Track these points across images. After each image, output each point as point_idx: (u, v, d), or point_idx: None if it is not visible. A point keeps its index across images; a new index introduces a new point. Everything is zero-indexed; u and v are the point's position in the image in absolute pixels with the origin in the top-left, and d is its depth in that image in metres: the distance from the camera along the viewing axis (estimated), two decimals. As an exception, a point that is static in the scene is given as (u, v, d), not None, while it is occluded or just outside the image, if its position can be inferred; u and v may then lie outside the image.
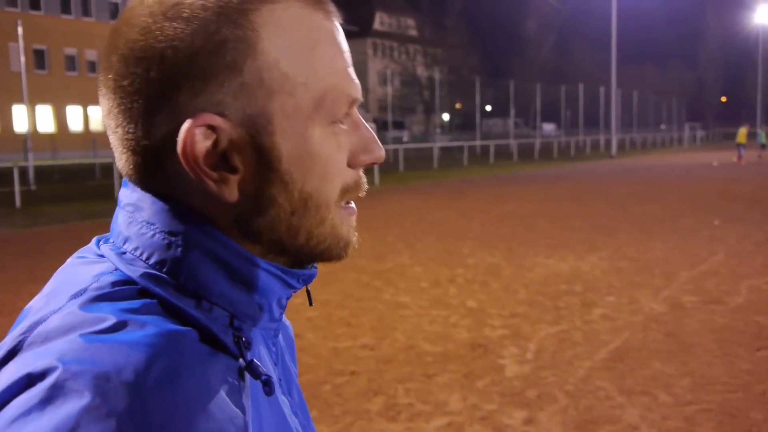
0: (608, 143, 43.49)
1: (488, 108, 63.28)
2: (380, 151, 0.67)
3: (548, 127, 62.97)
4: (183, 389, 0.50)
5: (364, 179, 0.67)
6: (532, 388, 4.41)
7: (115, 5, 43.92)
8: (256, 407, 0.59)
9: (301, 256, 0.65)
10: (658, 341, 5.36)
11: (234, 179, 0.59)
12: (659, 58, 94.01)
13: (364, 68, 69.44)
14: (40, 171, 20.90)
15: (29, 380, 0.47)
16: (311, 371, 4.83)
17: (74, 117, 42.19)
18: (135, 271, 0.57)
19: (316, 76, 0.60)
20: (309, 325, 6.00)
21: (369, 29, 71.00)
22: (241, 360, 0.57)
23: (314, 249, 0.64)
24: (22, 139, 28.97)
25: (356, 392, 4.43)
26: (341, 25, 0.66)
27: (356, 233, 0.68)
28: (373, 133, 0.67)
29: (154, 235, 0.58)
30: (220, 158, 0.58)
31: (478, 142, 39.36)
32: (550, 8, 67.77)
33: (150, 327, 0.52)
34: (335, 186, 0.63)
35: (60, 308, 0.54)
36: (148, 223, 0.59)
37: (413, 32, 68.13)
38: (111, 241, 0.61)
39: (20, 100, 26.73)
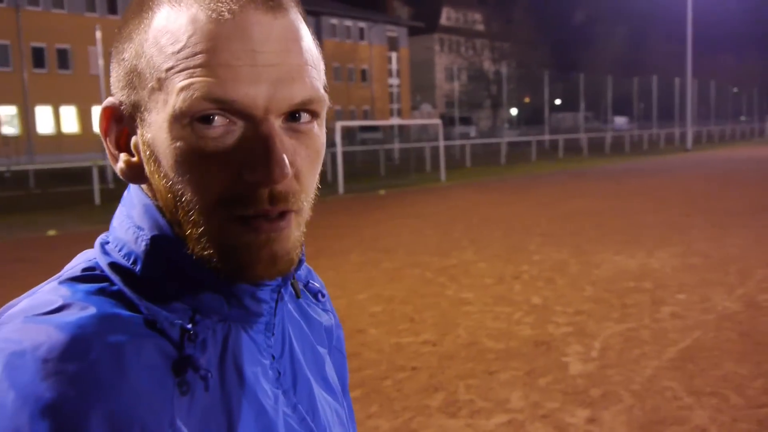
0: (683, 136, 42.01)
1: (557, 102, 62.14)
2: (269, 170, 0.58)
3: (620, 121, 61.31)
4: (95, 366, 0.53)
5: (263, 195, 0.59)
6: (596, 387, 4.33)
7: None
8: (221, 398, 0.61)
9: (213, 264, 0.62)
10: (731, 341, 5.17)
11: (132, 162, 0.64)
12: (738, 47, 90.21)
13: (430, 64, 69.26)
14: (117, 170, 21.74)
15: None
16: (373, 366, 4.88)
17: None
18: (105, 260, 0.64)
19: (173, 71, 0.59)
20: (372, 320, 6.05)
21: (435, 25, 70.76)
22: (182, 351, 0.60)
23: (208, 258, 0.61)
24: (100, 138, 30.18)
25: (417, 388, 4.45)
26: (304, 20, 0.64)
27: (279, 251, 0.61)
28: (273, 149, 0.59)
29: (128, 229, 0.65)
30: (126, 142, 0.65)
31: (546, 137, 38.71)
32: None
33: (90, 309, 0.57)
34: (205, 190, 0.59)
35: (34, 291, 0.61)
36: (128, 216, 0.65)
37: (480, 27, 67.43)
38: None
39: (99, 101, 27.87)
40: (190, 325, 0.61)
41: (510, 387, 4.40)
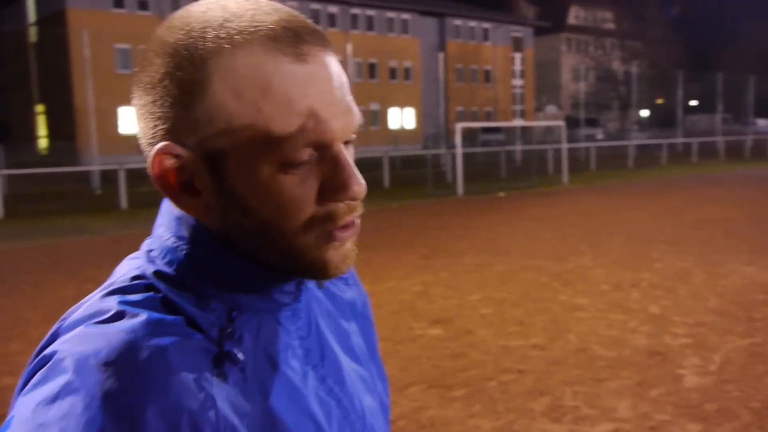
0: (835, 140, 38.65)
1: (693, 103, 58.93)
2: (354, 189, 0.67)
3: (763, 123, 57.18)
4: (147, 366, 0.62)
5: (345, 209, 0.69)
6: (711, 402, 4.15)
7: (315, 11, 46.55)
8: (256, 384, 0.69)
9: (290, 272, 0.72)
10: None
11: (197, 200, 0.68)
12: None
13: (556, 64, 67.66)
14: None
15: (44, 361, 0.64)
16: (479, 367, 4.90)
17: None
18: (150, 269, 0.71)
19: (264, 119, 0.63)
20: (482, 321, 6.06)
21: (563, 24, 69.03)
22: (221, 347, 0.68)
23: (292, 268, 0.71)
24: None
25: (522, 391, 4.44)
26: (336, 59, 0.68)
27: (349, 251, 0.71)
28: (353, 171, 0.67)
29: (168, 239, 0.72)
30: (186, 181, 0.68)
31: (679, 140, 36.77)
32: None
33: (141, 316, 0.65)
34: (296, 219, 0.67)
35: (89, 299, 0.70)
36: (167, 227, 0.73)
37: (610, 25, 65.10)
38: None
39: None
40: (228, 323, 0.70)
41: (618, 396, 4.30)
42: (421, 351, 5.32)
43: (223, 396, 0.66)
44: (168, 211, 0.74)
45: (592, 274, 7.88)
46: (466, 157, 21.14)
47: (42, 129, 43.05)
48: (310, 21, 0.68)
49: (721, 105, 44.11)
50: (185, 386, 0.63)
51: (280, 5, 0.68)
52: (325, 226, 0.68)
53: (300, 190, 0.66)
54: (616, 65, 58.83)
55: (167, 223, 0.73)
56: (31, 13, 42.72)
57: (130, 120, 38.63)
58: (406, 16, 52.04)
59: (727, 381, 4.49)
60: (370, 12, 49.80)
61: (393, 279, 7.85)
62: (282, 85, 0.64)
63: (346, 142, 0.69)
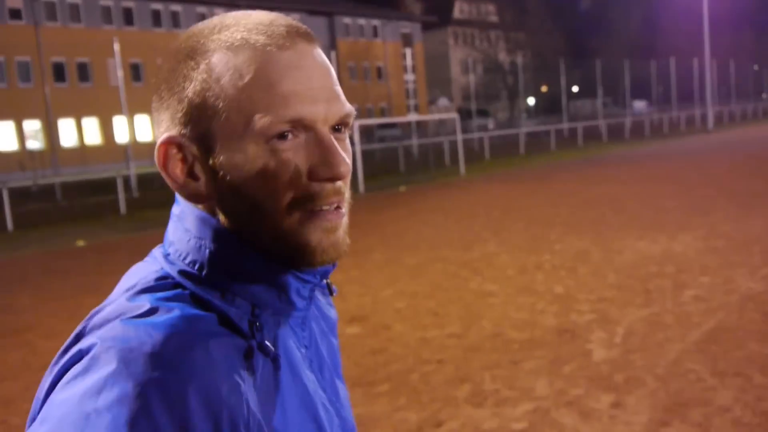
0: (704, 117, 41.53)
1: (575, 89, 61.72)
2: (337, 168, 0.71)
3: (639, 105, 60.71)
4: (190, 358, 0.64)
5: (329, 190, 0.72)
6: (620, 372, 4.40)
7: (202, 15, 45.55)
8: (277, 379, 0.72)
9: (282, 258, 0.74)
10: (754, 321, 5.19)
11: (199, 187, 0.73)
12: (756, 24, 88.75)
13: (446, 58, 69.09)
14: (141, 178, 22.04)
15: (80, 355, 0.65)
16: (400, 360, 4.98)
17: (149, 126, 43.84)
18: (174, 269, 0.73)
19: (246, 101, 0.69)
20: (397, 316, 6.15)
21: (449, 18, 70.53)
22: (252, 340, 0.71)
23: (282, 252, 0.73)
24: (124, 149, 30.59)
25: (443, 380, 4.54)
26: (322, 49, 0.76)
27: (339, 238, 0.75)
28: (336, 151, 0.72)
29: (189, 240, 0.74)
30: (188, 169, 0.73)
31: (565, 125, 38.47)
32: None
33: (175, 311, 0.67)
34: (283, 196, 0.71)
35: (115, 299, 0.71)
36: (186, 230, 0.75)
37: (494, 18, 67.18)
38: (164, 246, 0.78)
39: (120, 112, 28.25)
40: (254, 318, 0.72)
41: (535, 376, 4.48)
42: (341, 350, 5.33)
43: (252, 392, 0.68)
44: (184, 216, 0.76)
45: (498, 260, 8.14)
46: (365, 153, 21.29)
47: None
48: (298, 22, 0.75)
49: (601, 90, 46.45)
50: (225, 380, 0.65)
51: (274, 13, 0.76)
52: (310, 206, 0.72)
53: (285, 168, 0.70)
54: (502, 56, 60.80)
55: (185, 226, 0.75)
56: None
57: (6, 135, 36.70)
58: (294, 15, 51.64)
59: (632, 351, 4.77)
60: (257, 13, 49.09)
61: (305, 281, 7.80)
62: (265, 69, 0.70)
63: (338, 130, 0.74)
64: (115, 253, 11.07)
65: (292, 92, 0.70)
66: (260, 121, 0.69)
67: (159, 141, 0.74)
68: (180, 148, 0.73)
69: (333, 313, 0.93)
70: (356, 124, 19.29)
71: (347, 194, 0.76)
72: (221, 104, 0.70)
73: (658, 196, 12.70)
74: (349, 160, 0.74)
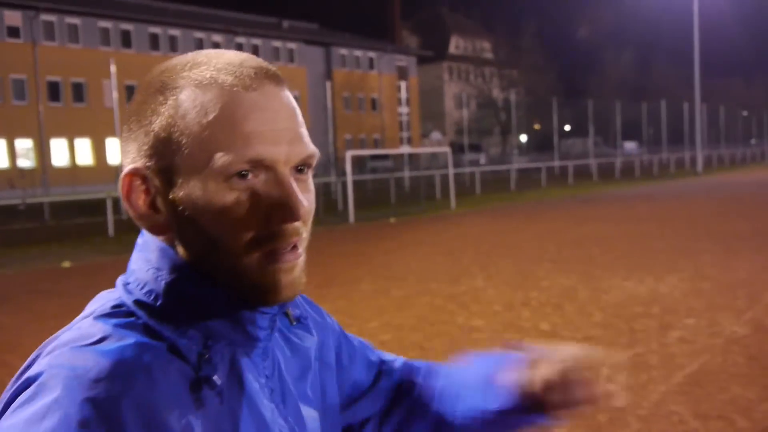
0: (693, 160, 42.00)
1: (567, 128, 62.36)
2: (295, 210, 0.72)
3: (629, 146, 61.32)
4: (131, 380, 0.65)
5: (287, 230, 0.73)
6: (602, 413, 4.37)
7: (200, 41, 45.93)
8: (229, 411, 0.73)
9: (239, 294, 0.75)
10: (738, 365, 5.20)
11: (160, 219, 0.75)
12: (746, 70, 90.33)
13: (440, 92, 69.79)
14: (131, 201, 21.99)
15: (27, 382, 0.67)
16: (383, 393, 4.94)
17: (118, 156, 43.80)
18: (130, 298, 0.75)
19: (208, 138, 0.71)
20: (382, 348, 6.03)
21: (444, 54, 71.41)
22: (200, 372, 0.72)
23: (239, 289, 0.74)
24: (115, 170, 30.58)
25: (426, 414, 4.50)
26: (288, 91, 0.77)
27: (296, 278, 0.75)
28: (294, 193, 0.72)
29: (148, 270, 0.76)
30: (151, 201, 0.75)
31: (556, 163, 38.79)
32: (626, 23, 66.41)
33: (123, 340, 0.69)
34: (241, 235, 0.72)
35: (71, 326, 0.73)
36: (147, 260, 0.77)
37: (488, 55, 68.05)
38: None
39: (113, 134, 28.27)
40: (204, 350, 0.73)
41: (518, 413, 4.44)
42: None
43: (201, 421, 0.69)
44: (146, 246, 0.77)
45: (485, 295, 8.14)
46: (356, 184, 21.36)
47: None
48: (268, 64, 0.76)
49: (593, 129, 46.93)
50: (165, 399, 0.67)
51: (246, 54, 0.77)
52: (269, 246, 0.73)
53: (244, 207, 0.72)
54: (496, 93, 61.48)
55: (146, 256, 0.76)
56: None
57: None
58: (292, 45, 52.22)
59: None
60: (256, 41, 49.62)
61: (291, 309, 7.76)
62: (229, 108, 0.72)
63: (300, 170, 0.75)
64: (100, 275, 10.99)
65: (255, 132, 0.71)
66: (221, 159, 0.70)
67: (124, 172, 0.75)
68: (144, 179, 0.75)
69: (309, 340, 0.92)
70: (348, 154, 19.39)
71: (306, 234, 0.77)
72: (185, 140, 0.72)
73: (646, 236, 12.77)
74: (308, 201, 0.75)
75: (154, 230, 0.76)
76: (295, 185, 0.73)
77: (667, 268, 9.25)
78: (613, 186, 30.01)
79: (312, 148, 0.76)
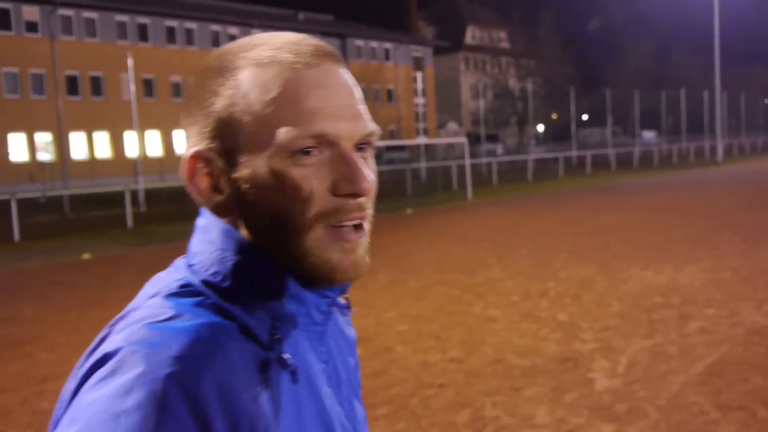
0: (713, 149, 41.51)
1: (584, 117, 61.89)
2: (359, 184, 0.72)
3: (648, 135, 60.74)
4: (211, 361, 0.66)
5: (352, 205, 0.73)
6: (621, 402, 4.35)
7: (216, 33, 46.01)
8: (294, 392, 0.73)
9: (301, 274, 0.75)
10: (759, 355, 5.15)
11: (222, 199, 0.75)
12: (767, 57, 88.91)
13: (456, 83, 69.48)
14: (149, 193, 22.15)
15: (105, 358, 0.66)
16: (400, 384, 4.95)
17: (180, 141, 44.10)
18: (197, 278, 0.75)
19: (271, 115, 0.71)
20: (399, 338, 6.12)
21: (461, 44, 71.03)
22: (271, 352, 0.72)
23: (301, 268, 0.74)
24: (133, 163, 30.78)
25: (444, 405, 4.51)
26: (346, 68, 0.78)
27: (360, 257, 0.76)
28: (361, 168, 0.73)
29: (213, 251, 0.76)
30: (213, 182, 0.75)
31: (574, 153, 38.54)
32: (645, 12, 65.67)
33: (197, 318, 0.69)
34: (306, 211, 0.72)
35: (139, 305, 0.73)
36: (210, 242, 0.77)
37: (505, 44, 67.60)
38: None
39: (131, 127, 28.45)
40: (274, 330, 0.73)
41: (536, 403, 4.44)
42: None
43: (269, 403, 0.70)
44: (208, 228, 0.77)
45: (502, 286, 8.12)
46: (373, 175, 21.26)
47: None
48: (325, 43, 0.77)
49: (611, 119, 46.56)
50: (244, 387, 0.68)
51: (302, 35, 0.77)
52: (333, 220, 0.73)
53: (308, 182, 0.72)
54: (513, 83, 61.08)
55: (209, 238, 0.77)
56: None
57: (17, 147, 36.99)
58: (306, 36, 52.12)
59: (634, 381, 4.73)
60: (271, 33, 49.55)
61: (308, 300, 7.79)
62: (291, 86, 0.72)
63: (361, 149, 0.75)
64: (120, 267, 11.09)
65: (317, 109, 0.72)
66: (285, 135, 0.71)
67: (186, 155, 0.76)
68: (206, 162, 0.75)
69: (351, 332, 0.94)
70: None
71: (370, 211, 0.77)
72: (247, 119, 0.72)
73: (665, 226, 12.66)
74: (372, 178, 0.75)
75: (218, 211, 0.76)
76: (361, 162, 0.74)
77: (687, 258, 9.16)
78: (632, 176, 29.75)
79: (373, 125, 0.76)
